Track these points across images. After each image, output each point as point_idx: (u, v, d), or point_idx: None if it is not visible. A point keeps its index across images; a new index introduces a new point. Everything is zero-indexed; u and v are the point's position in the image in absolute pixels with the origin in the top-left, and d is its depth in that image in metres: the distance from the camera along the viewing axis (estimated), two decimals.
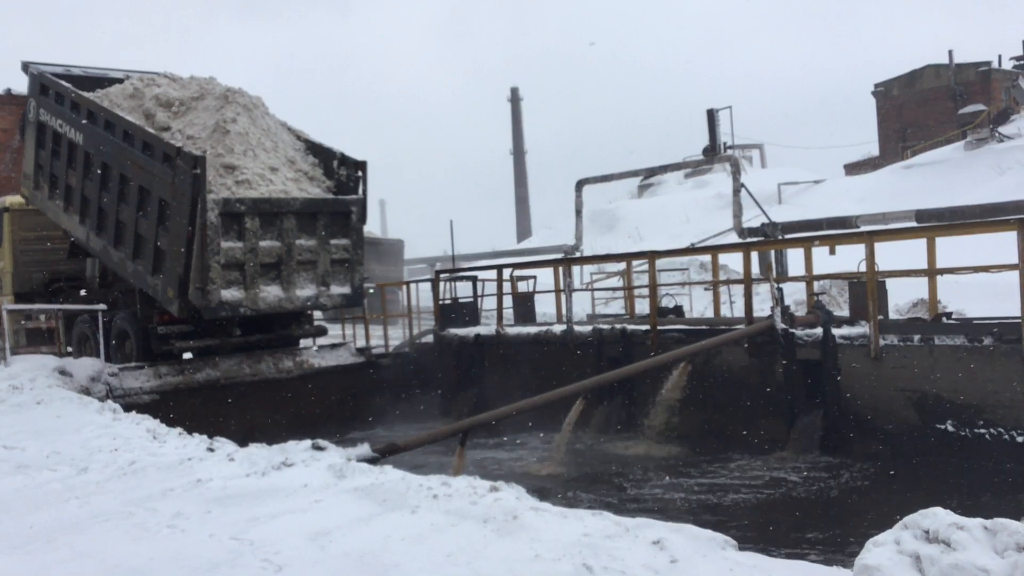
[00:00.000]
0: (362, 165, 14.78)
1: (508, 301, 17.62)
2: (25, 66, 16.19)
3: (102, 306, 14.63)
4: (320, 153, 15.15)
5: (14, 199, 17.81)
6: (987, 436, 9.92)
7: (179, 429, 9.38)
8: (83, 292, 16.67)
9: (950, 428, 10.21)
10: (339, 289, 14.55)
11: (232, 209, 13.11)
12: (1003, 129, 38.12)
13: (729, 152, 29.81)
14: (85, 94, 14.81)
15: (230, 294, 13.24)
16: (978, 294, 15.76)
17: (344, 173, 14.88)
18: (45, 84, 15.56)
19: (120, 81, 16.27)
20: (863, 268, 11.52)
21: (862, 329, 11.29)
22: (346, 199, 14.54)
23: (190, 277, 12.88)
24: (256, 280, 13.48)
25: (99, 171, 14.31)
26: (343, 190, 14.82)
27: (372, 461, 8.07)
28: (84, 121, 14.49)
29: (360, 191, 14.79)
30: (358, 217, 14.62)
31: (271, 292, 13.71)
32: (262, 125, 14.71)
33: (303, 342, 16.19)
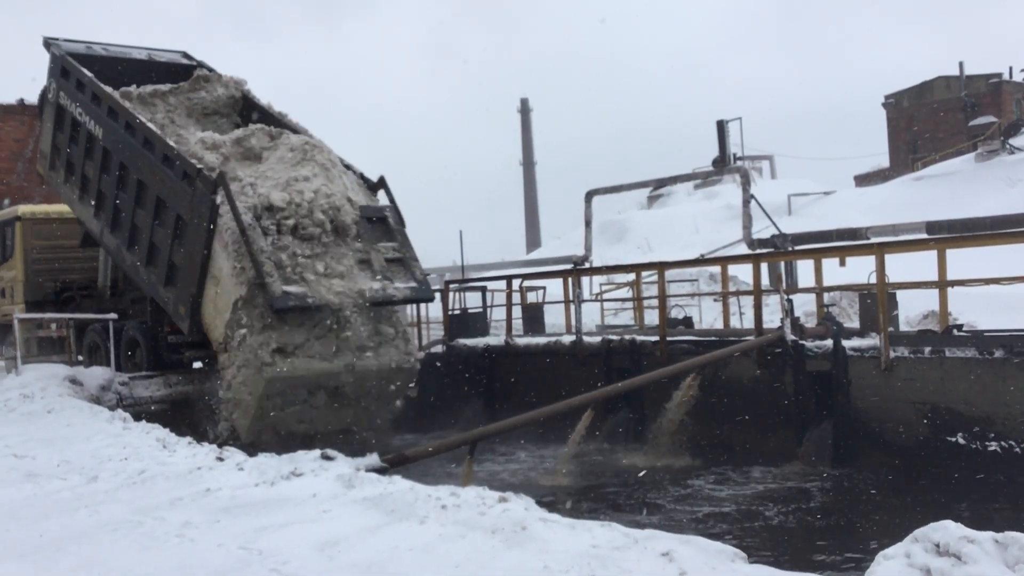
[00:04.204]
0: (381, 180, 14.29)
1: (517, 311, 17.63)
2: (47, 43, 15.83)
3: (113, 315, 14.61)
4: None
5: (26, 208, 17.92)
6: (998, 449, 9.86)
7: (188, 438, 9.41)
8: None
9: (960, 441, 10.16)
10: (404, 284, 13.37)
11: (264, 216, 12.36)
12: (1014, 141, 37.97)
13: (739, 163, 29.76)
14: (108, 90, 14.36)
15: (292, 288, 12.11)
16: (989, 306, 15.66)
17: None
18: (67, 68, 15.18)
19: (143, 61, 16.21)
20: (873, 280, 11.49)
21: (872, 341, 11.25)
22: (379, 206, 13.99)
23: (202, 297, 12.60)
24: (316, 278, 12.37)
25: (117, 170, 14.03)
26: None
27: (381, 471, 8.07)
28: (105, 116, 14.17)
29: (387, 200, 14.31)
30: (395, 220, 13.87)
31: (333, 283, 12.56)
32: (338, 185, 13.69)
33: None
